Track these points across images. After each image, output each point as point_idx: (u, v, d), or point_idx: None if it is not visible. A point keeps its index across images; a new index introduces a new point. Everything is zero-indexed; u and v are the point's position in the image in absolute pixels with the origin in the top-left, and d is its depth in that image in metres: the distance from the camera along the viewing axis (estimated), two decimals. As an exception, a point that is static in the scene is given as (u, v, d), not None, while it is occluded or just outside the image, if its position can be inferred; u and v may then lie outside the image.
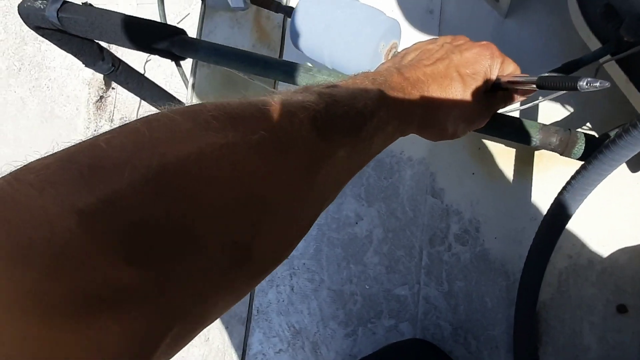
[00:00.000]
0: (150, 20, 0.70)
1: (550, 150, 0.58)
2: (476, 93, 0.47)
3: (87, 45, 0.87)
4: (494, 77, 0.49)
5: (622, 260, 0.72)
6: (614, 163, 0.51)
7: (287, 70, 0.64)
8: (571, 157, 0.57)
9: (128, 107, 2.25)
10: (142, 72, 1.06)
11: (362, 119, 0.35)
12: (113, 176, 0.21)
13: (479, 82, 0.47)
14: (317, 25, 0.67)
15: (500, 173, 0.78)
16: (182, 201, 0.23)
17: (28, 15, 0.74)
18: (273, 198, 0.28)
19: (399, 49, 0.70)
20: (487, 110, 0.51)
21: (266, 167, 0.27)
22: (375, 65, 0.66)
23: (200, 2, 0.95)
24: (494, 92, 0.51)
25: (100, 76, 2.33)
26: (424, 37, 0.83)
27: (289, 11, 0.72)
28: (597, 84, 0.39)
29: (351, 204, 0.83)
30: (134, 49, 0.72)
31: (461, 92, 0.46)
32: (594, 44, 0.62)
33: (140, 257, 0.21)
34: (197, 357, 0.90)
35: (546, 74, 0.57)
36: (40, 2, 0.72)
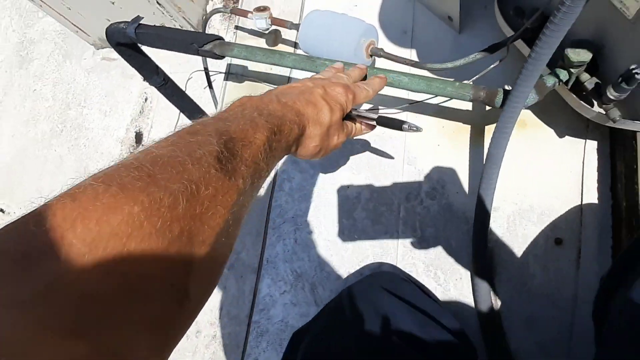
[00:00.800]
0: (198, 32, 0.99)
1: (480, 102, 0.81)
2: (337, 119, 0.60)
3: (147, 62, 1.16)
4: (348, 109, 0.64)
5: (556, 204, 0.91)
6: (517, 106, 0.75)
7: (296, 59, 0.91)
8: (495, 106, 0.80)
9: None
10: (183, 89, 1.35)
11: (256, 149, 0.39)
12: (50, 259, 0.22)
13: (338, 112, 0.60)
14: (317, 33, 0.95)
15: (459, 144, 1.00)
16: (121, 267, 0.24)
17: (113, 33, 1.04)
18: (199, 240, 0.30)
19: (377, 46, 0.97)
20: (343, 134, 0.65)
21: (189, 212, 0.29)
22: (358, 56, 0.92)
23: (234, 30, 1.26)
24: (349, 120, 0.72)
25: (132, 135, 2.64)
26: (401, 50, 1.11)
27: (296, 27, 1.01)
28: (414, 129, 0.72)
29: (344, 173, 1.05)
30: (189, 53, 1.00)
31: (328, 118, 0.57)
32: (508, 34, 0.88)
33: (90, 329, 0.22)
34: (215, 303, 1.07)
35: (385, 114, 0.80)
36: (123, 24, 1.03)
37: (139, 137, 2.72)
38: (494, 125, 0.95)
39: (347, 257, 0.99)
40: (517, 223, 0.92)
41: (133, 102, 2.74)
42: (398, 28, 1.12)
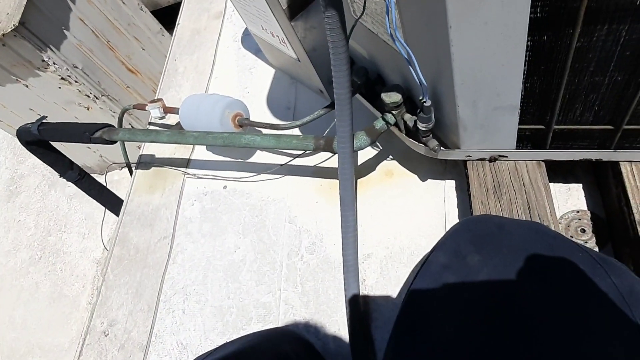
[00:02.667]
0: (90, 123, 1.11)
1: (322, 150, 0.89)
2: None
3: (59, 158, 1.27)
4: None
5: (423, 242, 0.93)
6: (345, 147, 0.82)
7: (169, 134, 1.01)
8: (334, 152, 0.87)
9: None
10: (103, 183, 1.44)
11: None
12: None
13: None
14: (190, 111, 1.07)
15: (334, 199, 1.05)
16: None
17: (21, 133, 1.17)
18: None
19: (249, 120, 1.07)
20: None
21: None
22: (225, 125, 1.02)
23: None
24: None
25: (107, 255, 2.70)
26: (283, 119, 1.22)
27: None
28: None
29: (232, 238, 1.07)
30: (84, 142, 1.11)
31: None
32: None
33: None
34: (102, 390, 1.01)
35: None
36: (30, 124, 1.16)
37: None
38: (366, 177, 1.03)
39: (231, 322, 0.97)
40: (389, 266, 0.93)
41: (112, 222, 2.82)
42: (282, 105, 1.25)
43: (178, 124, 1.30)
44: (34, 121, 1.14)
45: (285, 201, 1.09)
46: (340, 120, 0.79)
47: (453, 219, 0.93)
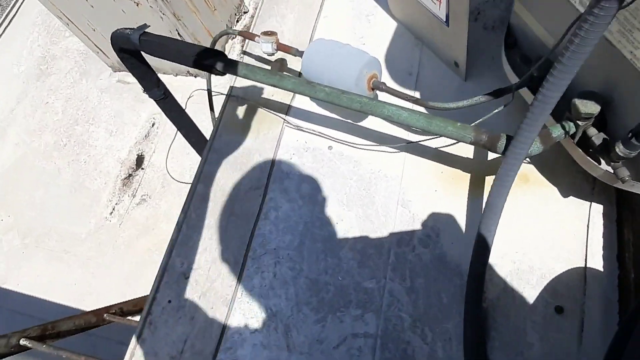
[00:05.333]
0: (201, 46, 0.97)
1: (481, 146, 0.77)
2: None
3: (149, 73, 1.14)
4: None
5: (558, 267, 0.84)
6: (520, 153, 0.70)
7: (295, 82, 0.87)
8: (497, 152, 0.75)
9: (151, 186, 2.47)
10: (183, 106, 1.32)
11: None
12: None
13: None
14: (320, 60, 0.92)
15: (457, 191, 0.94)
16: None
17: (118, 38, 1.02)
18: None
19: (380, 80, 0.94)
20: None
21: None
22: (360, 86, 0.89)
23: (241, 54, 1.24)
24: None
25: (133, 157, 2.60)
26: (404, 91, 1.08)
27: (302, 54, 0.99)
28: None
29: (334, 207, 0.98)
30: (190, 66, 0.98)
31: None
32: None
33: None
34: (179, 335, 0.97)
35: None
36: (129, 30, 1.01)
37: (140, 160, 2.68)
38: (495, 176, 0.91)
39: (327, 300, 0.91)
40: (514, 284, 0.85)
41: (140, 125, 2.73)
42: (403, 69, 1.10)
43: (277, 61, 1.15)
44: (135, 28, 1.00)
45: (399, 180, 0.98)
46: (529, 124, 0.66)
47: (597, 250, 0.84)
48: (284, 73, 0.95)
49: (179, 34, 2.13)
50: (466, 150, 0.97)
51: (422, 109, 0.93)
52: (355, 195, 0.99)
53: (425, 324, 0.85)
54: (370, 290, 0.90)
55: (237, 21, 2.56)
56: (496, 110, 0.80)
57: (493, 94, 0.81)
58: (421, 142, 0.97)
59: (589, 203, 0.88)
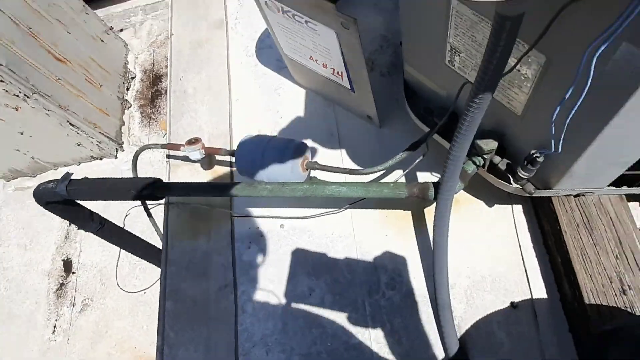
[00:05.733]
0: (135, 177, 1.00)
1: (415, 198, 0.89)
2: None
3: (80, 211, 1.13)
4: None
5: (502, 269, 0.99)
6: (448, 198, 0.83)
7: (238, 188, 0.94)
8: (429, 199, 0.88)
9: (90, 287, 2.29)
10: (122, 226, 1.31)
11: None
12: None
13: None
14: (252, 159, 1.00)
15: (404, 230, 1.06)
16: None
17: (42, 194, 1.01)
18: None
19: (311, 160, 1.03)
20: None
21: None
22: (295, 173, 0.98)
23: (166, 161, 1.28)
24: None
25: (59, 264, 2.41)
26: (331, 152, 1.18)
27: (233, 153, 1.06)
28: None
29: (304, 280, 1.06)
30: (127, 200, 1.00)
31: None
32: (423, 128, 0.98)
33: None
34: None
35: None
36: (52, 183, 1.01)
37: (67, 265, 2.49)
38: (432, 206, 1.04)
39: (325, 368, 0.98)
40: (474, 295, 0.98)
41: (56, 228, 2.54)
42: (324, 131, 1.20)
43: (206, 158, 1.20)
44: (58, 180, 1.00)
45: (352, 237, 1.08)
46: (448, 177, 0.79)
47: (527, 244, 0.99)
48: (221, 182, 1.00)
49: (70, 124, 2.04)
50: (398, 192, 1.10)
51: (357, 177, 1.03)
52: (318, 263, 1.07)
53: (413, 357, 0.95)
54: (358, 345, 0.98)
55: (128, 89, 2.50)
56: (417, 161, 0.93)
57: (411, 148, 0.94)
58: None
59: (510, 206, 1.04)
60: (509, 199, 1.04)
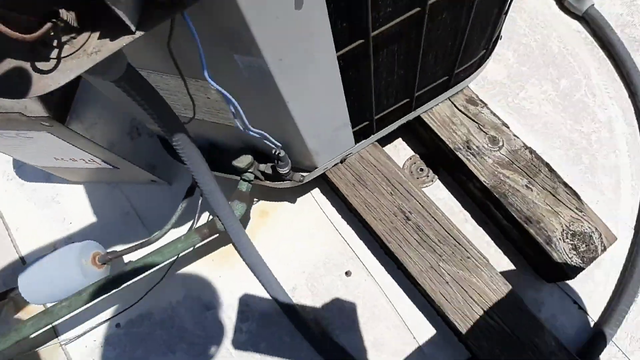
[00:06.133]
0: None
1: (209, 237, 0.90)
2: None
3: None
4: None
5: (327, 249, 1.05)
6: (232, 224, 0.85)
7: (33, 324, 0.85)
8: (221, 231, 0.89)
9: None
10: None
11: None
12: None
13: None
14: (40, 287, 0.91)
15: (231, 263, 1.07)
16: None
17: None
18: None
19: (109, 250, 0.98)
20: None
21: None
22: (90, 274, 0.92)
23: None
24: None
25: None
26: (135, 228, 1.14)
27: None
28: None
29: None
30: None
31: None
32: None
33: None
34: None
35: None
36: None
37: None
38: (247, 229, 1.06)
39: None
40: (315, 284, 1.03)
41: None
42: (119, 213, 1.15)
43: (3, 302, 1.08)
44: None
45: (190, 296, 1.06)
46: (217, 208, 0.81)
47: (337, 219, 1.07)
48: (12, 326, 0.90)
49: None
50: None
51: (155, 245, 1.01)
52: (170, 340, 1.02)
53: (295, 370, 0.97)
54: (243, 390, 0.97)
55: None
56: (200, 203, 0.93)
57: (189, 193, 0.94)
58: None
59: (309, 193, 1.11)
60: (304, 188, 1.11)
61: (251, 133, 0.66)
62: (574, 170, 1.05)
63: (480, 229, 1.03)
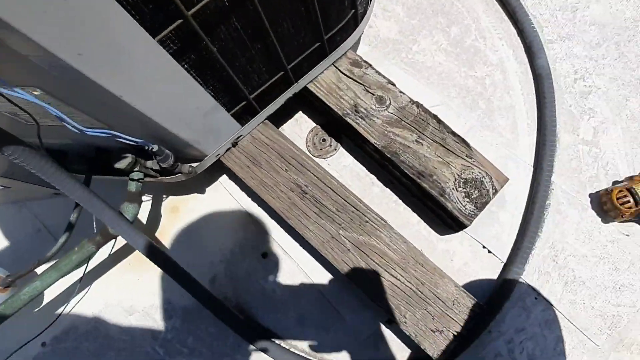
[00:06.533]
0: None
1: (104, 243, 0.88)
2: None
3: None
4: None
5: (241, 233, 1.04)
6: (122, 226, 0.82)
7: None
8: (114, 236, 0.87)
9: None
10: None
11: None
12: None
13: None
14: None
15: (146, 266, 1.05)
16: None
17: None
18: None
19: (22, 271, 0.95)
20: None
21: None
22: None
23: None
24: None
25: None
26: (44, 244, 1.11)
27: None
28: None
29: (94, 375, 1.00)
30: None
31: None
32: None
33: None
34: None
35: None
36: None
37: None
38: (162, 224, 1.05)
39: None
40: (234, 271, 1.02)
41: None
42: (30, 231, 1.12)
43: None
44: None
45: (112, 301, 1.04)
46: (96, 212, 0.79)
47: (247, 203, 1.06)
48: None
49: None
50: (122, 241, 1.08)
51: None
52: (94, 348, 1.01)
53: (222, 358, 0.98)
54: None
55: None
56: (73, 216, 0.91)
57: (77, 206, 0.91)
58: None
59: (217, 182, 1.09)
60: (211, 175, 1.09)
61: (90, 133, 0.63)
62: (473, 117, 1.05)
63: (387, 189, 1.03)
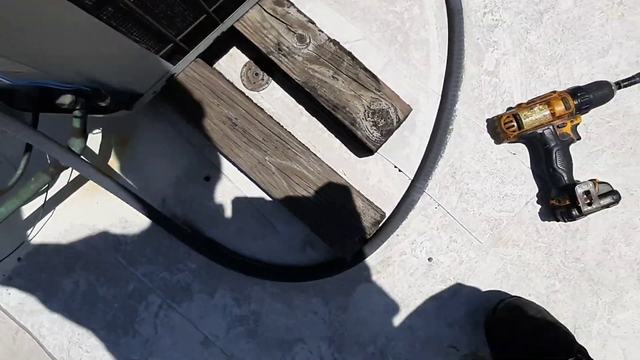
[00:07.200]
0: None
1: (59, 175, 1.00)
2: None
3: None
4: None
5: (206, 189, 1.17)
6: (75, 160, 0.94)
7: None
8: (67, 166, 0.99)
9: None
10: None
11: None
12: None
13: None
14: None
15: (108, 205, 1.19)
16: None
17: None
18: None
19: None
20: None
21: None
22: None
23: None
24: None
25: None
26: (3, 177, 1.22)
27: None
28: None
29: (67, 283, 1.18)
30: None
31: None
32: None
33: None
34: None
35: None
36: None
37: None
38: (112, 159, 1.16)
39: None
40: (181, 193, 1.17)
41: None
42: (-9, 164, 1.22)
43: None
44: None
45: (76, 223, 1.19)
46: (44, 148, 0.90)
47: (188, 134, 1.17)
48: None
49: None
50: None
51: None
52: (64, 264, 1.18)
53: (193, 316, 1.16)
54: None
55: None
56: (28, 157, 1.01)
57: (28, 147, 1.02)
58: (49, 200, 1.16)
59: (167, 120, 1.19)
60: (157, 111, 1.19)
61: (20, 84, 0.72)
62: (391, 50, 1.15)
63: (314, 118, 1.16)
